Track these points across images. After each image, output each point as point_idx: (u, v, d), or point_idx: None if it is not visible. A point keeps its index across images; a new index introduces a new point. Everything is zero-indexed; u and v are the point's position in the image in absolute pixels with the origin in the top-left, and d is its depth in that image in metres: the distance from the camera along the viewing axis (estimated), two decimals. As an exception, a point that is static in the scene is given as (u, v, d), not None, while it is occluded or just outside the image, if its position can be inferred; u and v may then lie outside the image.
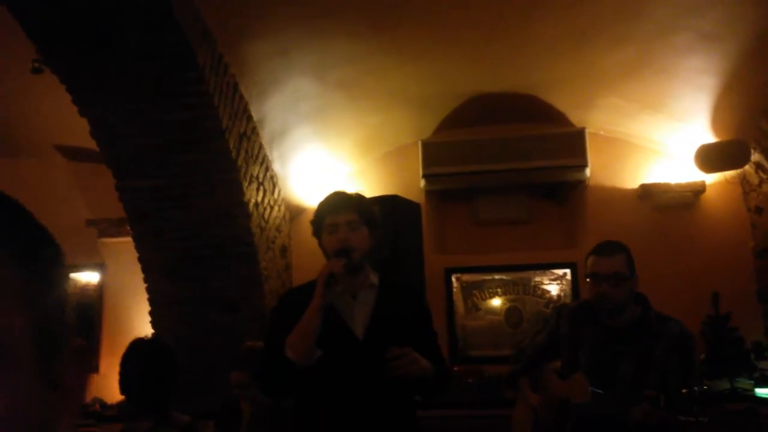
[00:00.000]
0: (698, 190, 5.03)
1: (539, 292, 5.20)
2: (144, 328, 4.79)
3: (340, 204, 2.29)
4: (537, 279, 5.22)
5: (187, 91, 3.66)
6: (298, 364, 2.09)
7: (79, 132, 4.21)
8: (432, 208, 5.43)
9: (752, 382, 4.38)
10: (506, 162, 5.06)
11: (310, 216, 5.44)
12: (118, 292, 5.83)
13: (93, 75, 3.66)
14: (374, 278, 2.31)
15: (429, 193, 5.36)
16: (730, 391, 4.31)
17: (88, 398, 5.47)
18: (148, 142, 4.00)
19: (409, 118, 5.22)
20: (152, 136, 3.95)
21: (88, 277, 5.99)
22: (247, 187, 4.28)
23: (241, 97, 4.06)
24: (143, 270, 4.66)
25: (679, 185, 5.03)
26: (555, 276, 5.19)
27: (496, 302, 5.26)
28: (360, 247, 2.21)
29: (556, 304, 5.02)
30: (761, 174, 4.53)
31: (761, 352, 4.52)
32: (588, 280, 2.58)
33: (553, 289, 5.18)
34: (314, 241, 5.43)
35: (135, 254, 4.63)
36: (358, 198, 2.35)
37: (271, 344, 2.21)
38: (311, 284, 2.19)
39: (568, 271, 5.13)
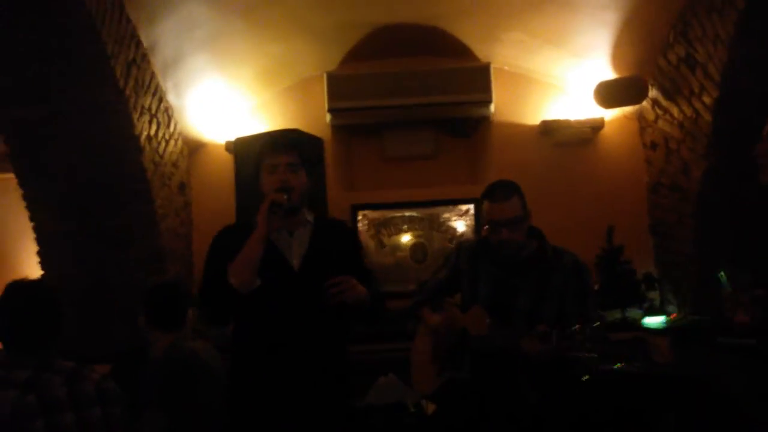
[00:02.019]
0: (597, 126, 5.13)
1: (444, 228, 5.25)
2: (33, 269, 4.53)
3: (281, 145, 2.38)
4: (445, 215, 5.26)
5: (65, 12, 3.32)
6: (239, 290, 2.19)
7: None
8: (338, 143, 5.32)
9: (642, 312, 4.62)
10: (412, 97, 5.00)
11: (211, 151, 5.34)
12: (4, 231, 5.50)
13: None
14: (309, 216, 2.43)
15: (335, 128, 5.24)
16: (621, 320, 4.54)
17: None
18: (25, 70, 3.65)
19: (312, 49, 5.02)
20: (29, 64, 3.60)
21: (-30, 216, 5.60)
22: (137, 119, 4.01)
23: (128, 20, 3.74)
24: (28, 208, 4.35)
25: (578, 121, 5.11)
26: (461, 212, 5.24)
27: (404, 239, 5.28)
28: (298, 188, 2.32)
29: (460, 239, 5.10)
30: (657, 110, 4.66)
31: (651, 284, 4.76)
32: (486, 227, 2.62)
33: (459, 225, 5.23)
34: (215, 178, 5.29)
35: (20, 191, 4.32)
36: (298, 139, 2.49)
37: (210, 274, 2.32)
38: (244, 224, 2.35)
39: (471, 206, 5.18)
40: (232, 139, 4.96)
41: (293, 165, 2.32)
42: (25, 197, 4.32)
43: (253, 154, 2.46)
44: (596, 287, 4.53)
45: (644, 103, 4.78)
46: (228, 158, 5.10)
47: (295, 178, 2.32)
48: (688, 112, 4.26)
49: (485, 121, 5.24)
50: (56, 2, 3.31)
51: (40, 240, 4.43)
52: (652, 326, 4.41)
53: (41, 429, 1.99)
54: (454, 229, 5.23)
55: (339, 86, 5.00)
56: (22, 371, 2.10)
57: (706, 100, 4.02)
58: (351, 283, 2.25)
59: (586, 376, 2.43)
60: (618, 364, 3.18)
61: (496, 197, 2.55)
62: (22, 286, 2.29)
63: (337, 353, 2.35)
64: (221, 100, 5.06)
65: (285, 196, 2.25)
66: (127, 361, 3.16)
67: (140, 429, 2.59)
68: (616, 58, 4.72)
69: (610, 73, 4.81)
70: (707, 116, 4.06)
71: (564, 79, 5.15)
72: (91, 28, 3.43)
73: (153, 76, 4.19)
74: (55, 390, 2.08)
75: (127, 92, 3.85)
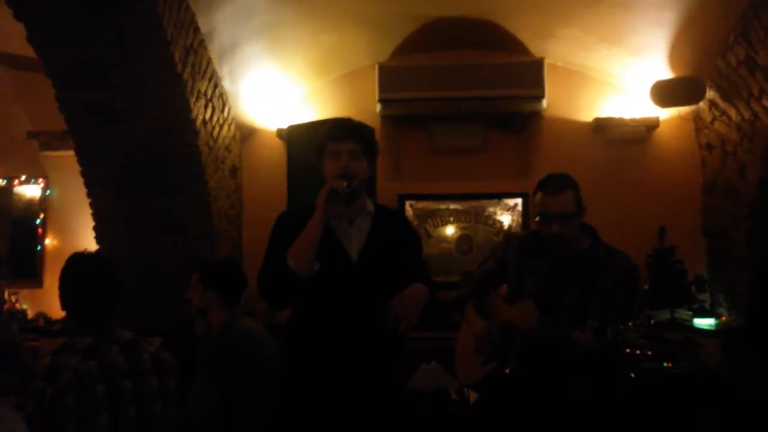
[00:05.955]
0: (651, 125, 5.05)
1: (491, 222, 5.24)
2: (89, 243, 4.70)
3: (344, 132, 2.37)
4: (490, 209, 5.25)
5: (129, -4, 3.44)
6: (297, 274, 2.20)
7: (20, 38, 3.95)
8: (387, 133, 5.35)
9: (691, 312, 4.54)
10: (464, 89, 4.99)
11: (262, 136, 5.43)
12: (63, 206, 5.71)
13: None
14: (370, 205, 2.42)
15: (384, 118, 5.27)
16: (670, 320, 4.47)
17: (32, 313, 5.39)
18: (88, 52, 3.77)
19: (365, 40, 5.05)
20: (92, 46, 3.73)
21: (32, 191, 5.83)
22: (194, 103, 4.11)
23: (188, 7, 3.83)
24: (86, 185, 4.51)
25: (633, 120, 5.04)
26: (508, 206, 5.21)
27: (449, 230, 5.28)
28: (360, 175, 2.31)
29: (507, 232, 5.08)
30: (714, 111, 4.57)
31: (702, 285, 4.67)
32: (537, 218, 2.58)
33: (506, 219, 5.22)
34: (265, 163, 5.37)
35: (78, 168, 4.47)
36: (361, 127, 2.42)
37: (271, 257, 2.33)
38: (307, 206, 2.31)
39: (519, 200, 5.16)
40: (283, 125, 5.05)
41: (355, 153, 2.31)
42: (83, 174, 4.48)
43: (312, 140, 2.46)
44: (645, 287, 4.47)
45: (701, 104, 4.69)
46: (278, 144, 5.18)
47: (356, 166, 2.30)
48: (747, 114, 4.16)
49: (536, 116, 5.20)
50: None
51: (96, 216, 4.58)
52: (702, 328, 4.34)
53: (102, 394, 2.07)
54: (501, 223, 5.22)
55: (390, 77, 5.02)
56: (84, 339, 2.17)
57: (766, 103, 3.92)
58: (406, 303, 2.23)
59: (632, 374, 2.41)
60: (666, 364, 3.14)
61: (551, 189, 2.51)
62: (84, 258, 2.37)
63: (390, 342, 2.33)
64: (274, 87, 5.14)
65: (345, 183, 2.25)
66: (176, 335, 3.25)
67: (192, 400, 2.67)
68: (673, 58, 4.63)
69: (666, 73, 4.73)
70: (766, 119, 3.96)
71: (619, 77, 5.08)
72: (152, 13, 3.53)
73: (210, 62, 4.28)
74: (113, 358, 2.16)
75: (185, 77, 3.95)
